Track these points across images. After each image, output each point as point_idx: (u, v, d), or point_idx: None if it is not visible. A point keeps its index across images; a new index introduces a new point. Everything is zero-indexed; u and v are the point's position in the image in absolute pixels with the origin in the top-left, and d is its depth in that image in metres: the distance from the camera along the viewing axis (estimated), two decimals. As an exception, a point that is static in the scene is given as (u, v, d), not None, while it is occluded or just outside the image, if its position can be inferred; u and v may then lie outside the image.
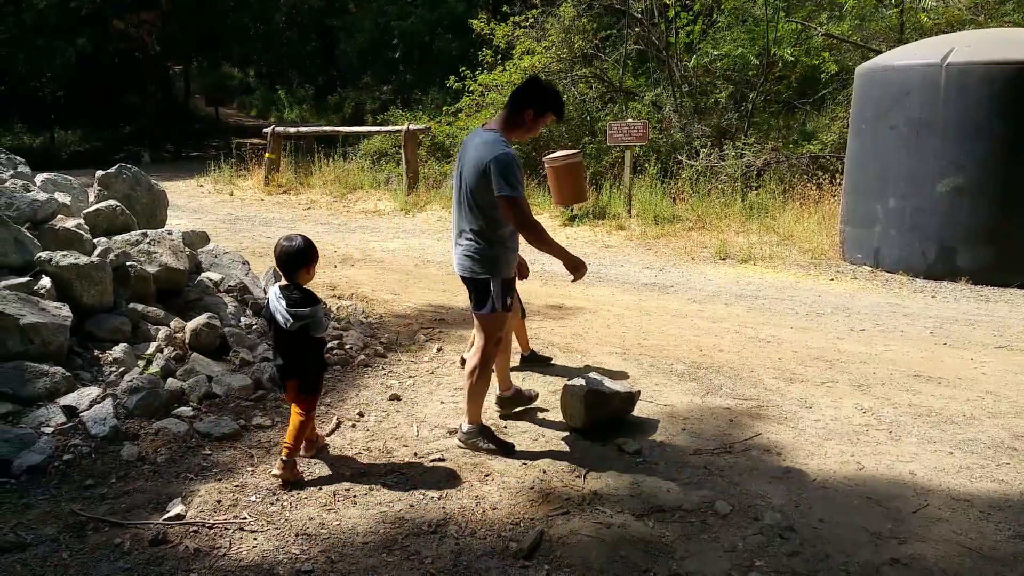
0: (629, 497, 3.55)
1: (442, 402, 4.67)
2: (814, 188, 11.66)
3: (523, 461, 3.90)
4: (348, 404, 4.61)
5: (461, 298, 7.37)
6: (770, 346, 5.98)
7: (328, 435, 4.14)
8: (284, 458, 3.57)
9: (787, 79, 16.47)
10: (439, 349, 5.64)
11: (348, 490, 3.57)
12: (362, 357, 5.33)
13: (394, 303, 7.08)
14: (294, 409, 3.65)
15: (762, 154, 13.65)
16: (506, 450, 3.98)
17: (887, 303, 7.60)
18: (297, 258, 3.55)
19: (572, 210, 12.21)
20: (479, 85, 15.31)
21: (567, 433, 4.23)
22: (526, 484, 3.67)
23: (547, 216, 12.18)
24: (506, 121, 3.85)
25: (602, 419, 4.21)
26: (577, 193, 12.00)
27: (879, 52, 14.34)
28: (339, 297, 7.27)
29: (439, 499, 3.52)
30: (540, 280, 8.34)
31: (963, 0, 14.89)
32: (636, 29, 16.84)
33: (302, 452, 3.80)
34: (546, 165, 12.15)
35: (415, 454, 3.96)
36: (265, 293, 5.99)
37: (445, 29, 23.54)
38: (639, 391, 4.47)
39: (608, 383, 4.30)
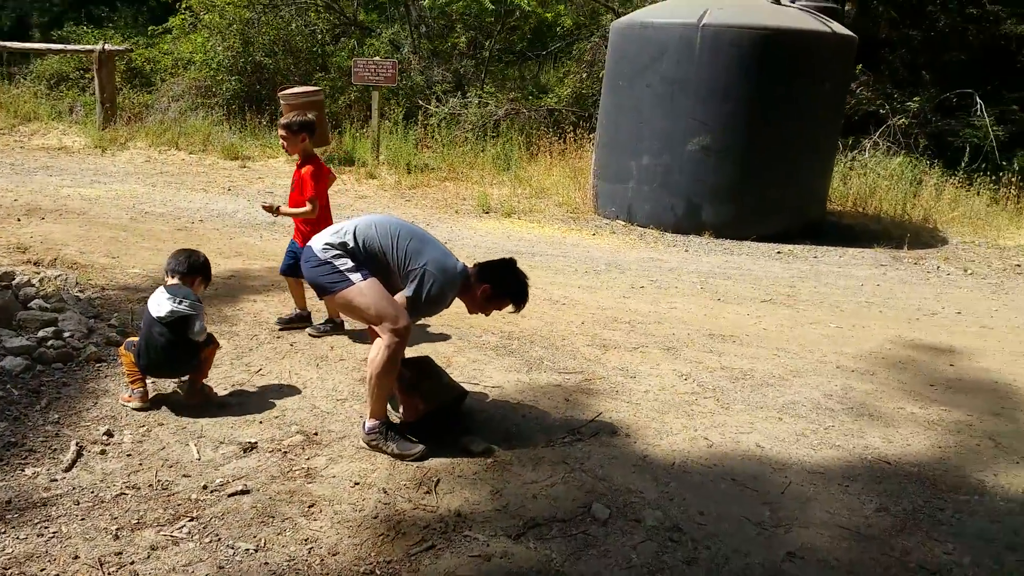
0: (496, 513, 2.97)
1: (220, 405, 3.67)
2: (558, 141, 11.74)
3: (354, 480, 3.13)
4: (87, 420, 3.41)
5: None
6: (567, 308, 5.71)
7: (67, 470, 2.99)
8: (196, 387, 3.62)
9: (521, 30, 16.49)
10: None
11: (119, 555, 2.54)
12: (92, 349, 4.06)
13: (116, 270, 5.66)
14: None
15: (503, 104, 13.50)
16: (417, 455, 3.32)
17: (649, 258, 7.76)
18: (203, 267, 3.72)
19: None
20: (197, 3, 13.23)
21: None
22: (366, 512, 2.91)
23: (284, 160, 10.89)
24: (474, 276, 3.43)
25: (437, 411, 3.55)
26: (320, 136, 10.85)
27: (612, 9, 14.88)
28: (36, 264, 5.64)
29: (256, 551, 2.63)
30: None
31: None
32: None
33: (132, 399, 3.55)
34: (282, 101, 10.71)
35: (204, 487, 2.98)
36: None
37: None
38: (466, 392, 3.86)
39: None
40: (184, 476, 3.04)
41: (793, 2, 8.85)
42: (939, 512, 3.09)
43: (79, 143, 11.72)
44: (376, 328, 3.31)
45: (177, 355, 3.49)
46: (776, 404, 4.16)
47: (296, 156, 4.68)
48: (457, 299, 3.47)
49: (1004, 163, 10.39)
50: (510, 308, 3.47)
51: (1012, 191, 9.67)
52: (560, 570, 2.67)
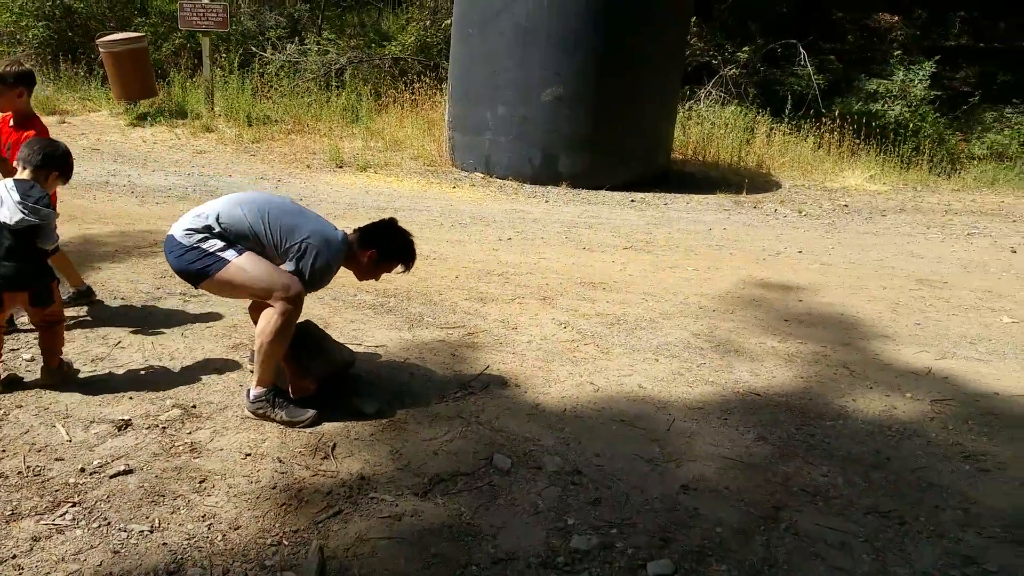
0: (399, 473, 2.92)
1: (82, 383, 3.35)
2: (407, 92, 11.48)
3: (244, 451, 2.96)
4: (-71, 407, 3.02)
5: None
6: (439, 263, 5.66)
7: (-85, 467, 2.64)
8: (53, 367, 3.28)
9: (359, -31, 15.84)
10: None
11: (11, 552, 2.28)
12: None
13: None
14: (44, 320, 3.23)
15: (346, 52, 12.99)
16: (308, 420, 3.18)
17: (512, 209, 7.82)
18: (60, 159, 3.26)
19: (136, 106, 10.16)
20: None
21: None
22: (263, 483, 2.78)
23: (108, 113, 9.96)
24: (360, 250, 3.30)
25: (326, 376, 3.42)
26: (145, 86, 10.05)
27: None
28: None
29: (151, 532, 2.45)
30: (137, 200, 6.71)
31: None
32: None
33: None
34: (102, 50, 9.90)
35: (82, 470, 2.73)
36: None
37: None
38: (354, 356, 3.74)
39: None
40: (57, 460, 2.77)
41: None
42: (810, 438, 3.36)
43: None
44: (269, 301, 3.09)
45: (25, 266, 3.10)
46: (651, 346, 4.34)
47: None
48: (343, 268, 3.34)
49: (825, 111, 11.27)
50: (399, 269, 3.38)
51: (834, 137, 10.53)
52: (471, 522, 2.67)
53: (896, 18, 15.07)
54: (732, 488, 2.99)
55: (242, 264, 3.04)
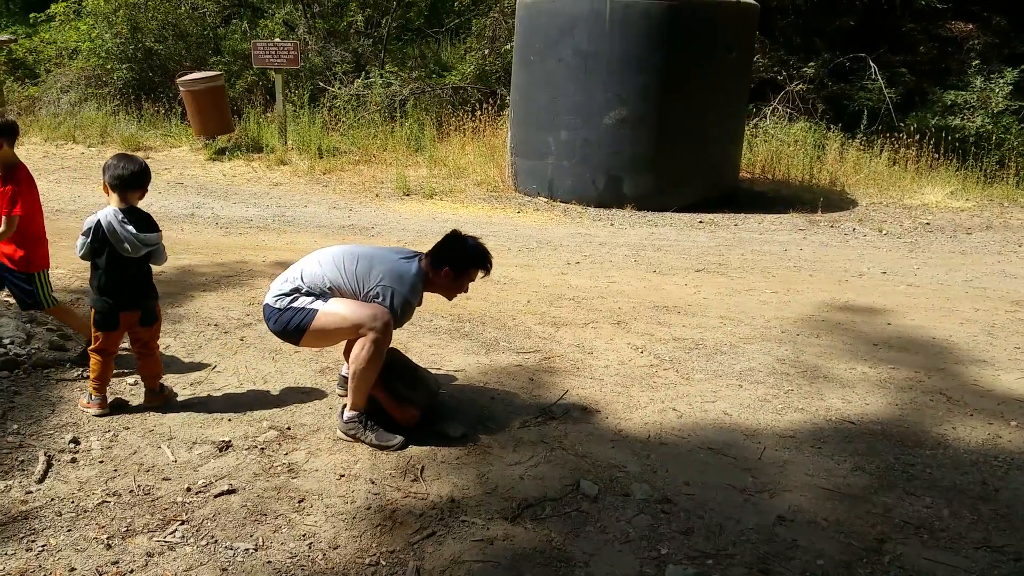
0: (487, 497, 2.93)
1: (183, 405, 3.47)
2: (469, 119, 11.63)
3: (339, 472, 3.02)
4: (48, 429, 3.20)
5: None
6: (510, 287, 5.68)
7: (40, 481, 2.78)
8: (155, 390, 3.43)
9: (417, 6, 16.19)
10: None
11: (116, 564, 2.37)
12: (38, 355, 3.80)
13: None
14: (146, 345, 3.39)
15: (408, 83, 13.25)
16: (397, 445, 3.23)
17: (578, 233, 7.82)
18: (142, 176, 3.31)
19: (215, 141, 10.55)
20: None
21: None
22: (358, 504, 2.82)
23: (188, 149, 10.36)
24: (429, 267, 3.33)
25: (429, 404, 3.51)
26: (223, 122, 10.43)
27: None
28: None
29: (256, 550, 2.52)
30: (222, 231, 6.95)
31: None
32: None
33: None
34: (182, 89, 10.31)
35: (188, 489, 2.82)
36: None
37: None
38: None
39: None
40: (164, 480, 2.88)
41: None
42: (910, 468, 3.24)
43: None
44: (359, 335, 3.16)
45: (138, 287, 3.36)
46: (734, 371, 4.26)
47: None
48: (428, 294, 3.40)
49: (900, 124, 10.96)
50: (480, 275, 3.40)
51: (910, 152, 10.22)
52: (562, 548, 2.66)
53: (971, 26, 14.60)
54: (831, 519, 2.90)
55: (328, 309, 3.16)
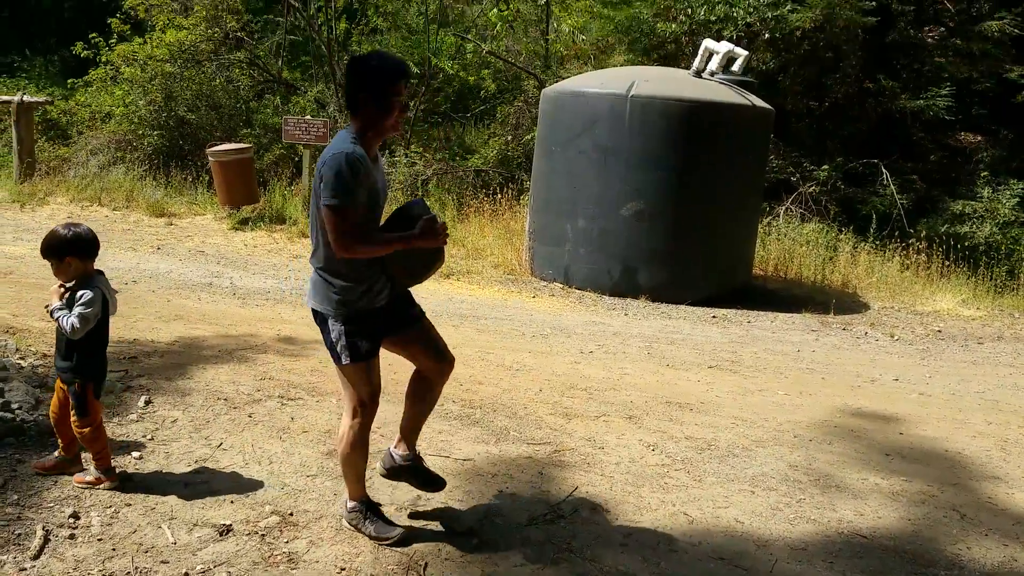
0: (493, 599, 2.86)
1: (187, 483, 3.43)
2: (489, 202, 11.83)
3: (339, 566, 2.96)
4: (50, 501, 3.15)
5: (144, 323, 5.84)
6: (522, 374, 5.67)
7: (35, 558, 2.72)
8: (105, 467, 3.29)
9: (445, 91, 16.71)
10: (147, 402, 4.24)
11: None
12: (46, 421, 3.72)
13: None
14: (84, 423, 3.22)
15: (432, 164, 13.57)
16: (395, 538, 3.13)
17: (592, 321, 7.84)
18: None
19: (239, 211, 10.76)
20: (118, 56, 12.84)
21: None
22: (359, 600, 2.76)
23: (212, 217, 10.56)
24: (354, 119, 2.94)
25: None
26: (249, 193, 10.66)
27: (535, 75, 15.29)
28: (-39, 328, 5.21)
29: (251, 650, 2.45)
30: (239, 301, 7.01)
31: (588, 38, 16.48)
32: (290, 18, 15.68)
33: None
34: (211, 159, 10.60)
35: (185, 574, 2.77)
36: None
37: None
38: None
39: None
40: (162, 563, 2.83)
41: (712, 76, 9.31)
42: (924, 588, 3.16)
43: (-4, 197, 11.09)
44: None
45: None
46: (746, 476, 4.19)
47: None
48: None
49: (912, 231, 11.08)
50: (404, 83, 2.88)
51: (921, 257, 10.30)
52: (569, 662, 2.57)
53: (979, 138, 14.92)
54: (845, 640, 2.81)
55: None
